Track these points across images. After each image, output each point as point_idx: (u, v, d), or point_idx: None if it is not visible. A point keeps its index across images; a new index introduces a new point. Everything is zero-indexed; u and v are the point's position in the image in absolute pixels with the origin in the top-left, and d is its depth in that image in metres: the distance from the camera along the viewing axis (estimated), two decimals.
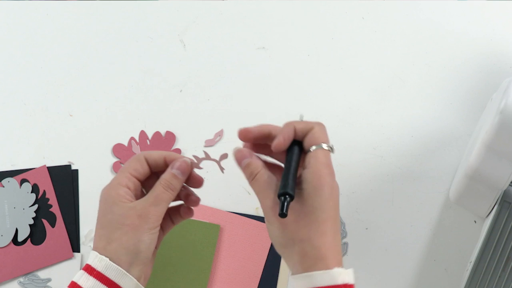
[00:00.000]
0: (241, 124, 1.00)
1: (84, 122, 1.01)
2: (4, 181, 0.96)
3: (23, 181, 0.97)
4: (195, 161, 0.79)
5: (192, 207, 0.82)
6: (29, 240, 0.95)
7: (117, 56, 1.04)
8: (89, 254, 0.76)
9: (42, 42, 1.04)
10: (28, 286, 0.93)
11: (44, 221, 0.95)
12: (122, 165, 0.98)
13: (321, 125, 0.77)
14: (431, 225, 0.97)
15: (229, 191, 0.97)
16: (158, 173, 0.79)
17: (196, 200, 0.81)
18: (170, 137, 1.00)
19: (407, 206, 0.97)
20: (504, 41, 1.05)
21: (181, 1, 1.07)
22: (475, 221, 0.97)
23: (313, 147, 0.75)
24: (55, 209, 0.96)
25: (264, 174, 0.75)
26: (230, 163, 0.97)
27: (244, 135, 0.78)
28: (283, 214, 0.70)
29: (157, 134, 1.00)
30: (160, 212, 0.76)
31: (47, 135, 1.00)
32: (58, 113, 1.01)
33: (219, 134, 1.00)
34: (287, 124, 0.77)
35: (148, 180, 0.80)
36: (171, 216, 0.82)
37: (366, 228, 0.97)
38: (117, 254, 0.74)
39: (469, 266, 0.88)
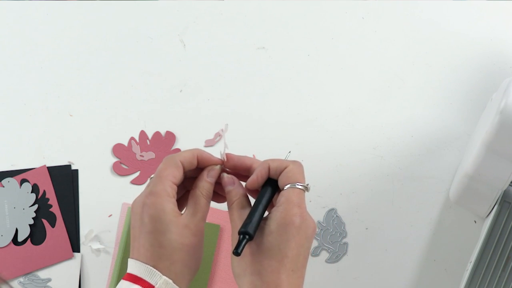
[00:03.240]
0: (241, 124, 1.01)
1: (84, 122, 1.01)
2: (4, 181, 0.96)
3: (23, 181, 0.97)
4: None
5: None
6: (29, 240, 0.95)
7: (117, 56, 1.04)
8: (146, 271, 0.73)
9: (42, 42, 1.04)
10: (28, 286, 0.93)
11: (44, 221, 0.95)
12: (122, 165, 0.98)
13: (296, 164, 0.76)
14: (431, 225, 0.97)
15: None
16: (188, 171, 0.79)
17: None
18: (170, 137, 1.00)
19: (407, 206, 0.97)
20: (504, 41, 1.05)
21: (181, 1, 1.07)
22: (475, 221, 0.97)
23: (287, 186, 0.75)
24: (55, 209, 0.96)
25: (239, 204, 0.76)
26: None
27: (226, 159, 0.79)
28: (236, 253, 0.71)
29: (157, 134, 1.00)
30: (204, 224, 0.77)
31: (47, 135, 1.00)
32: (58, 113, 1.01)
33: (219, 134, 1.00)
34: (263, 162, 0.77)
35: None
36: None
37: (366, 228, 0.97)
38: (182, 274, 0.74)
39: (469, 266, 0.88)
